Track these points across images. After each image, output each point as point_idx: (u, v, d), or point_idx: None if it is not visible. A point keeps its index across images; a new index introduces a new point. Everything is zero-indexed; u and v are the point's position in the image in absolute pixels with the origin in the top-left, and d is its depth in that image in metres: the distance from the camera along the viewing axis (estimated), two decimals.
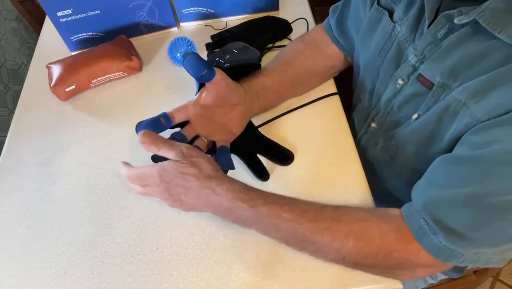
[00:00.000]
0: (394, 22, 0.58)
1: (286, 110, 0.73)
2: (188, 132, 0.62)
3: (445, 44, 0.49)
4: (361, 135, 0.72)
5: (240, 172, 0.65)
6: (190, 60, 0.59)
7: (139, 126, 0.60)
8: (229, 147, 0.63)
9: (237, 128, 0.65)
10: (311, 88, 0.75)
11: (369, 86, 0.67)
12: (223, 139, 0.63)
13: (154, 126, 0.59)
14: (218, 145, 0.62)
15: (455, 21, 0.46)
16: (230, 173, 0.65)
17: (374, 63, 0.63)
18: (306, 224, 0.50)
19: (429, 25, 0.51)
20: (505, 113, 0.41)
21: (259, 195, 0.53)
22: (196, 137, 0.64)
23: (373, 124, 0.68)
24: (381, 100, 0.63)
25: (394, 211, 0.51)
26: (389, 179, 0.70)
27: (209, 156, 0.58)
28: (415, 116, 0.56)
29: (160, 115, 0.60)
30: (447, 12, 0.47)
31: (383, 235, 0.49)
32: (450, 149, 0.50)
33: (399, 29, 0.57)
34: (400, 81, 0.57)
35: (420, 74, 0.53)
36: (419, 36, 0.53)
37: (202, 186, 0.52)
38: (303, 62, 0.72)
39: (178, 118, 0.62)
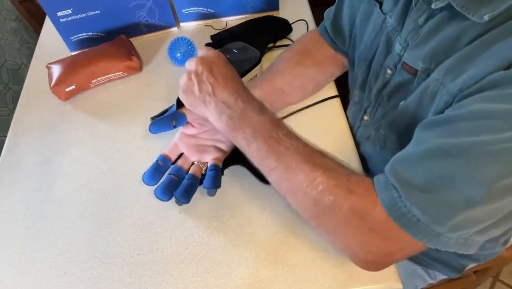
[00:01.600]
0: (384, 14, 0.58)
1: (286, 114, 0.74)
2: (184, 163, 0.65)
3: (425, 30, 0.50)
4: (356, 129, 0.72)
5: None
6: (155, 126, 0.66)
7: (145, 177, 0.65)
8: (221, 165, 0.64)
9: (227, 145, 0.66)
10: (307, 95, 0.75)
11: (362, 79, 0.67)
12: (216, 158, 0.64)
13: (158, 172, 0.64)
14: (209, 164, 0.64)
15: (432, 6, 0.47)
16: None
17: (367, 56, 0.64)
18: (293, 142, 0.51)
19: None
20: (474, 84, 0.42)
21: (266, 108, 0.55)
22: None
23: (365, 117, 0.68)
24: (372, 92, 0.64)
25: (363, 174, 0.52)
26: (378, 169, 0.69)
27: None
28: (402, 103, 0.56)
29: (158, 160, 0.65)
30: None
31: (349, 178, 0.48)
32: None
33: (390, 20, 0.57)
34: (388, 71, 0.58)
35: (404, 62, 0.54)
36: (407, 25, 0.54)
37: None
38: (292, 70, 0.71)
39: (173, 156, 0.66)
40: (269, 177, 0.53)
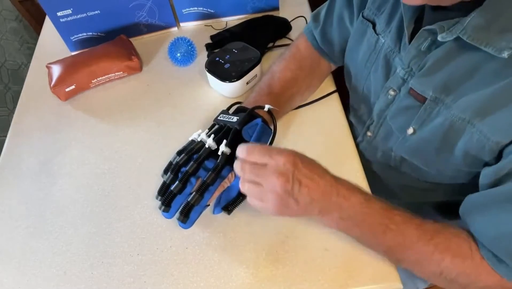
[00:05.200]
0: (377, 34, 0.59)
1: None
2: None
3: (433, 59, 0.50)
4: (360, 140, 0.72)
5: None
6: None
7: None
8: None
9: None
10: (303, 102, 0.75)
11: (361, 95, 0.68)
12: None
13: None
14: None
15: (439, 38, 0.46)
16: None
17: (362, 74, 0.65)
18: (413, 231, 0.49)
19: (409, 37, 0.52)
20: None
21: (367, 194, 0.51)
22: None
23: (368, 133, 0.69)
24: (374, 111, 0.64)
25: (473, 242, 0.50)
26: (393, 180, 0.71)
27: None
28: (410, 131, 0.56)
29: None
30: (428, 27, 0.48)
31: (473, 257, 0.48)
32: (463, 161, 0.52)
33: (383, 40, 0.58)
34: (391, 92, 0.58)
35: (411, 88, 0.54)
36: (404, 47, 0.54)
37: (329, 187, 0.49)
38: (289, 90, 0.70)
39: None
40: (396, 264, 0.54)
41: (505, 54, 0.42)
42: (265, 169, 0.46)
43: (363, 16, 0.62)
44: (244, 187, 0.48)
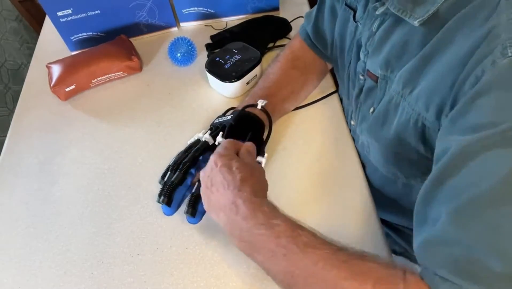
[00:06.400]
0: (356, 22, 0.59)
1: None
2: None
3: (378, 37, 0.51)
4: (352, 133, 0.72)
5: None
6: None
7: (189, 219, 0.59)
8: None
9: None
10: (299, 104, 0.75)
11: (346, 84, 0.68)
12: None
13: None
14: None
15: (376, 12, 0.48)
16: None
17: (345, 62, 0.65)
18: (325, 254, 0.42)
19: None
20: (448, 108, 0.42)
21: (280, 215, 0.47)
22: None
23: (352, 122, 0.69)
24: (353, 98, 0.64)
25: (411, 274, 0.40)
26: (371, 174, 0.68)
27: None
28: (371, 110, 0.57)
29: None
30: (374, 4, 0.49)
31: (403, 284, 0.38)
32: (395, 140, 0.51)
33: (360, 27, 0.58)
34: (361, 77, 0.59)
35: (367, 70, 0.55)
36: (365, 33, 0.55)
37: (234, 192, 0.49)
38: (285, 88, 0.70)
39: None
40: None
41: (416, 22, 0.43)
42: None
43: (346, 4, 0.61)
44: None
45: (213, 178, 0.51)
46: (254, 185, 0.50)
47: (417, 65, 0.45)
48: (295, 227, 0.45)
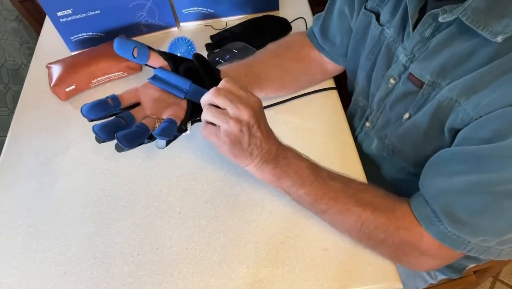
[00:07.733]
0: (381, 25, 0.59)
1: (276, 101, 0.74)
2: (138, 113, 0.57)
3: (433, 44, 0.51)
4: (357, 133, 0.73)
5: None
6: (118, 43, 0.57)
7: (84, 109, 0.55)
8: (178, 123, 0.57)
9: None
10: (286, 89, 0.75)
11: (363, 87, 0.68)
12: (173, 114, 0.58)
13: (102, 108, 0.54)
14: (166, 117, 0.57)
15: (440, 19, 0.47)
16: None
17: (364, 66, 0.65)
18: (337, 185, 0.54)
19: (413, 25, 0.53)
20: (493, 111, 0.43)
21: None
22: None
23: (367, 124, 0.69)
24: (374, 100, 0.64)
25: (403, 201, 0.55)
26: (389, 172, 0.71)
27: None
28: (406, 116, 0.57)
29: (107, 97, 0.55)
30: (432, 11, 0.48)
31: (394, 213, 0.52)
32: (450, 142, 0.52)
33: (388, 31, 0.58)
34: (392, 81, 0.59)
35: (410, 73, 0.54)
36: (407, 36, 0.55)
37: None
38: (271, 59, 0.72)
39: (128, 100, 0.57)
40: (321, 217, 0.58)
41: (499, 39, 0.42)
42: (226, 113, 0.50)
43: (365, 8, 0.62)
44: (204, 130, 0.53)
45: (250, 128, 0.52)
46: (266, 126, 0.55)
47: (482, 76, 0.45)
48: (315, 165, 0.57)
